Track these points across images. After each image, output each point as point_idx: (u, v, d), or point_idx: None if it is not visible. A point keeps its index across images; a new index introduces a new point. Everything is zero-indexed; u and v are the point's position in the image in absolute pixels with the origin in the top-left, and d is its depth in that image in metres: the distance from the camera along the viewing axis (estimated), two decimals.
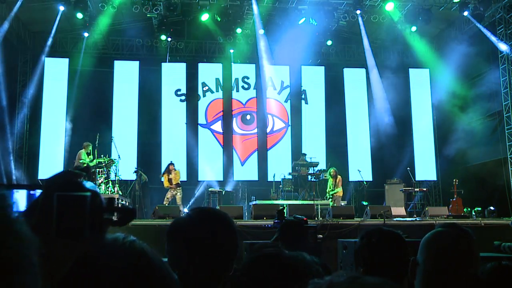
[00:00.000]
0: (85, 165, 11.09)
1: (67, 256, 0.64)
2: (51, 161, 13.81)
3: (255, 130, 15.35)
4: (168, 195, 11.87)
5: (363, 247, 1.98)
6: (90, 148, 11.61)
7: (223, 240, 1.49)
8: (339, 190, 12.15)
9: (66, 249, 0.63)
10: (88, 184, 0.72)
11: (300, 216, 6.08)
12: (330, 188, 12.29)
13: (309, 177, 13.00)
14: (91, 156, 11.46)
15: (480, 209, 11.73)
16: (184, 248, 1.45)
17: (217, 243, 1.48)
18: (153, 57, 15.01)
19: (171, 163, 12.18)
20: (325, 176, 12.87)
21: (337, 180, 12.15)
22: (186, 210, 11.34)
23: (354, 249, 2.14)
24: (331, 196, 12.16)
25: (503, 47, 12.88)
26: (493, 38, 13.09)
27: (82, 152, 11.55)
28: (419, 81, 15.91)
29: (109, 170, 11.48)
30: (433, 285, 1.55)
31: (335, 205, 11.62)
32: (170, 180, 11.93)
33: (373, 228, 2.10)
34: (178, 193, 11.86)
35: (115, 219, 0.76)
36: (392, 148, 14.41)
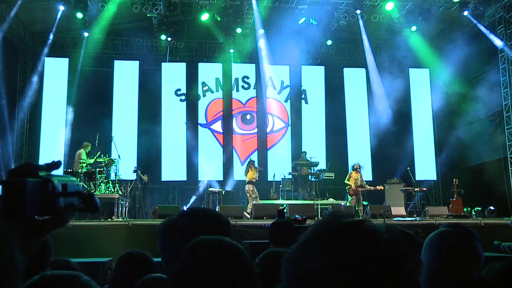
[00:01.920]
0: (85, 165, 11.10)
1: (26, 232, 0.76)
2: (51, 161, 13.77)
3: (255, 130, 15.35)
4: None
5: None
6: (90, 148, 11.61)
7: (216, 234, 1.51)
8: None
9: (14, 228, 0.74)
10: (60, 177, 0.82)
11: (296, 216, 6.09)
12: (357, 183, 11.73)
13: (309, 176, 13.01)
14: (90, 160, 11.46)
15: (480, 208, 11.74)
16: (178, 245, 1.46)
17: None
18: (153, 57, 15.01)
19: (252, 161, 12.29)
20: (325, 175, 12.86)
21: (360, 176, 11.83)
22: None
23: None
24: (358, 193, 11.67)
25: (498, 42, 12.89)
26: (493, 38, 13.09)
27: (82, 152, 11.56)
28: (419, 80, 15.91)
29: (109, 170, 11.48)
30: (437, 285, 1.55)
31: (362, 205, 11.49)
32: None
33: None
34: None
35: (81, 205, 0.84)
36: (392, 148, 14.40)
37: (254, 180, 11.84)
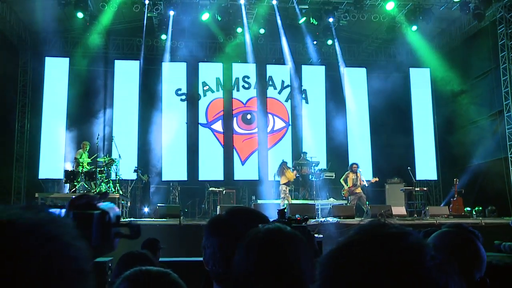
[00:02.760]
0: (85, 164, 11.12)
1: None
2: (51, 161, 13.82)
3: (256, 130, 15.34)
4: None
5: None
6: (88, 147, 11.63)
7: None
8: (360, 187, 11.81)
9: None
10: (104, 204, 0.95)
11: (297, 216, 6.06)
12: (352, 183, 11.76)
13: (310, 176, 13.00)
14: (88, 159, 11.48)
15: (480, 208, 11.73)
16: (228, 243, 1.46)
17: None
18: (154, 56, 15.02)
19: (285, 162, 12.21)
20: (326, 175, 12.86)
21: (359, 175, 11.83)
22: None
23: None
24: (354, 192, 11.69)
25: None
26: (494, 38, 13.08)
27: (80, 151, 11.60)
28: (419, 80, 15.90)
29: (109, 170, 11.49)
30: None
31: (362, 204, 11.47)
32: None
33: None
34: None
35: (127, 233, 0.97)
36: (393, 148, 14.40)
37: (290, 181, 11.80)
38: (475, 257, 1.52)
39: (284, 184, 11.73)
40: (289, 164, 12.66)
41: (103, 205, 0.94)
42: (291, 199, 12.16)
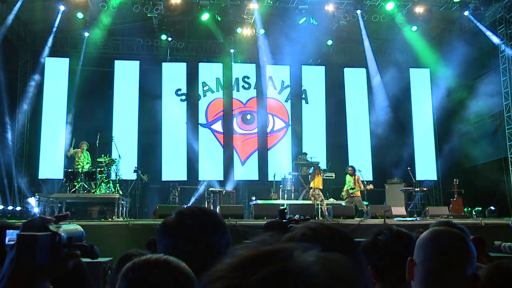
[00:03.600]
0: (85, 164, 11.13)
1: (35, 276, 0.93)
2: (51, 161, 13.82)
3: (256, 130, 15.35)
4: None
5: (370, 246, 1.96)
6: (86, 147, 11.65)
7: (212, 234, 1.53)
8: (359, 190, 11.71)
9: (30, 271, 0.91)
10: (65, 225, 1.00)
11: (297, 216, 6.07)
12: (348, 186, 11.77)
13: (310, 176, 12.99)
14: (89, 159, 11.48)
15: (480, 209, 11.73)
16: (178, 244, 1.48)
17: (207, 236, 1.52)
18: (154, 56, 15.01)
19: (318, 166, 11.94)
20: (326, 176, 12.85)
21: (356, 178, 11.74)
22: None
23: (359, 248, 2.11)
24: (351, 195, 11.67)
25: (496, 40, 12.89)
26: (494, 38, 13.09)
27: (79, 151, 11.61)
28: (419, 80, 15.91)
29: (109, 170, 11.49)
30: (431, 285, 1.55)
31: (356, 206, 11.42)
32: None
33: (383, 227, 2.09)
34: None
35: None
36: (393, 148, 14.41)
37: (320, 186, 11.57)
38: (465, 254, 1.54)
39: (316, 189, 11.51)
40: (323, 168, 12.44)
41: (64, 225, 0.99)
42: (292, 199, 12.17)
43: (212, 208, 12.49)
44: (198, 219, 1.55)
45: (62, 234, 0.95)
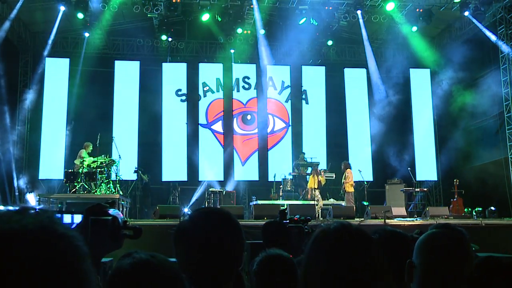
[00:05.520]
0: (85, 164, 11.12)
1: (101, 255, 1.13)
2: (51, 161, 13.82)
3: (256, 130, 15.35)
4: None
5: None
6: (91, 148, 11.64)
7: (229, 240, 1.52)
8: (347, 185, 11.85)
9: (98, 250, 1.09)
10: (112, 211, 1.19)
11: (297, 216, 6.05)
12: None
13: (308, 177, 12.99)
14: (90, 159, 11.47)
15: (481, 209, 11.72)
16: (192, 251, 1.46)
17: (223, 243, 1.49)
18: (154, 57, 15.02)
19: (316, 167, 12.22)
20: (326, 176, 12.86)
21: (346, 173, 11.91)
22: (186, 209, 11.34)
23: None
24: (343, 193, 11.88)
25: (493, 38, 12.89)
26: (494, 38, 13.08)
27: (83, 151, 11.60)
28: (419, 81, 15.91)
29: (109, 170, 11.49)
30: (430, 286, 1.55)
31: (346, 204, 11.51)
32: (319, 182, 11.95)
33: (378, 228, 2.09)
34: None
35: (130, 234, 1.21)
36: (393, 148, 14.41)
37: (317, 186, 11.87)
38: (464, 255, 1.54)
39: (316, 189, 11.73)
40: (323, 168, 12.74)
41: (112, 212, 1.18)
42: (292, 199, 12.17)
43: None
44: (212, 223, 1.53)
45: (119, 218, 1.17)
